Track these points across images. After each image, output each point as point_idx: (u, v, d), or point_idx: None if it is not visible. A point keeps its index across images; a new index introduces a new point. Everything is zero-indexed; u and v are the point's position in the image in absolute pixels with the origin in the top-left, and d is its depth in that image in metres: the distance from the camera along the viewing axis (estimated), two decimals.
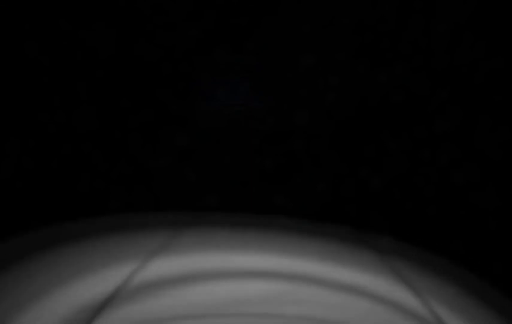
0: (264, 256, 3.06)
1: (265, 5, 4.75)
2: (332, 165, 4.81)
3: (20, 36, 4.47)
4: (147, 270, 2.61)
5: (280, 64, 4.84)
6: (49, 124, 4.58)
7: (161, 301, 2.17)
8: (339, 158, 4.81)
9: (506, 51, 4.43)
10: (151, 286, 2.35)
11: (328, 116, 4.82)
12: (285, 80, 4.85)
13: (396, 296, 2.43)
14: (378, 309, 2.22)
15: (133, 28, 4.70)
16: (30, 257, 2.72)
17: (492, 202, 4.37)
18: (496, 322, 2.25)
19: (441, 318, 2.18)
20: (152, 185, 4.77)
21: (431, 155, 4.64)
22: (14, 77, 4.50)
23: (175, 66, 4.80)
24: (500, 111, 4.47)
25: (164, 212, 4.60)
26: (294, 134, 4.85)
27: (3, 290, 2.20)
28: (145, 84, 4.76)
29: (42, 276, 2.41)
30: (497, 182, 4.41)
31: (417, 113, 4.70)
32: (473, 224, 4.34)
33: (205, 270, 2.69)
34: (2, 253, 2.80)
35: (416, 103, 4.70)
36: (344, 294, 2.39)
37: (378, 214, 4.63)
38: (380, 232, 4.20)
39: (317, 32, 4.77)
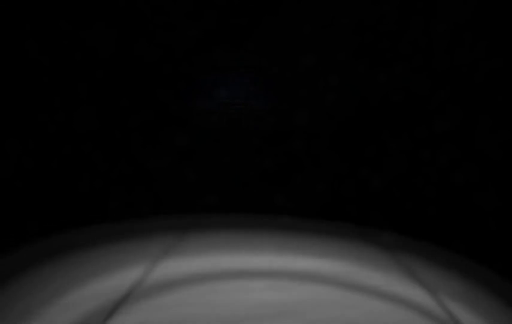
0: (270, 256, 3.06)
1: (265, 5, 4.75)
2: (332, 165, 4.81)
3: (21, 36, 4.47)
4: (155, 273, 2.62)
5: (280, 64, 4.84)
6: (49, 124, 4.58)
7: (171, 302, 2.17)
8: (339, 158, 4.81)
9: (506, 51, 4.44)
10: (160, 288, 2.36)
11: (328, 116, 4.82)
12: (285, 80, 4.85)
13: (406, 291, 2.44)
14: (388, 305, 2.23)
15: (133, 28, 4.69)
16: (40, 264, 2.74)
17: (492, 202, 4.37)
18: (507, 314, 2.25)
19: (452, 311, 2.18)
20: (152, 185, 4.77)
21: (431, 155, 4.64)
22: (14, 77, 4.50)
23: (175, 66, 4.80)
24: (500, 111, 4.47)
25: (165, 212, 4.60)
26: (294, 134, 4.84)
27: (15, 295, 2.21)
28: (145, 84, 4.76)
29: (52, 282, 2.41)
30: (497, 182, 4.41)
31: (417, 113, 4.70)
32: (473, 224, 4.34)
33: (212, 271, 2.70)
34: (14, 260, 2.81)
35: (416, 103, 4.70)
36: (354, 291, 2.39)
37: (378, 214, 4.63)
38: (380, 232, 4.20)
39: (317, 32, 4.77)
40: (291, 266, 2.86)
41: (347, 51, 4.77)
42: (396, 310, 2.19)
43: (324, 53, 4.79)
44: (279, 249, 3.26)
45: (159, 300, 2.19)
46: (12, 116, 4.49)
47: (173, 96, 4.82)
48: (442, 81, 4.63)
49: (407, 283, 2.60)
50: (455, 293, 2.48)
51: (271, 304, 2.19)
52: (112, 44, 4.66)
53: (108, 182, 4.67)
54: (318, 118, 4.82)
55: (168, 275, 2.58)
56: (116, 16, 4.65)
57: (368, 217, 4.62)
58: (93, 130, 4.67)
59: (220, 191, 4.80)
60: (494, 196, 4.39)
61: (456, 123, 4.57)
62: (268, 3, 4.73)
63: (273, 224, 4.17)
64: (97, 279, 2.49)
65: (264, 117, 4.85)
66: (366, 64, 4.74)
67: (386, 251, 3.33)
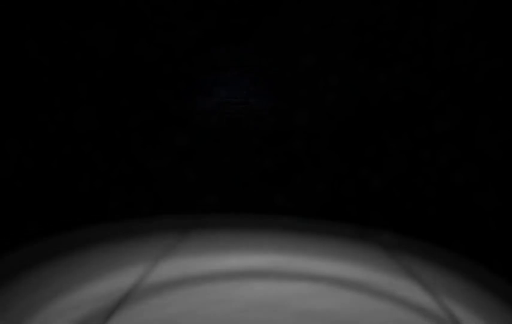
0: (270, 256, 3.06)
1: (265, 5, 4.74)
2: (332, 165, 4.81)
3: (21, 36, 4.47)
4: (156, 273, 2.61)
5: (280, 64, 4.84)
6: (49, 124, 4.58)
7: (171, 303, 2.17)
8: (339, 159, 4.81)
9: (506, 51, 4.44)
10: (160, 288, 2.36)
11: (328, 116, 4.82)
12: (285, 80, 4.85)
13: (406, 291, 2.44)
14: (388, 305, 2.22)
15: (133, 28, 4.69)
16: (39, 263, 2.73)
17: (492, 202, 4.37)
18: (507, 314, 2.25)
19: (452, 312, 2.18)
20: (152, 185, 4.77)
21: (431, 155, 4.64)
22: (14, 77, 4.50)
23: (175, 66, 4.80)
24: (500, 111, 4.47)
25: (165, 213, 4.60)
26: (294, 134, 4.84)
27: (14, 296, 2.20)
28: (145, 84, 4.76)
29: (52, 282, 2.41)
30: (497, 182, 4.41)
31: (417, 113, 4.70)
32: (473, 224, 4.34)
33: (212, 271, 2.69)
34: (13, 260, 2.81)
35: (416, 103, 4.70)
36: (354, 291, 2.39)
37: (378, 214, 4.63)
38: (380, 232, 4.20)
39: (317, 32, 4.77)
40: (294, 265, 2.86)
41: (347, 51, 4.77)
42: (395, 309, 2.19)
43: (324, 53, 4.79)
44: (281, 249, 3.26)
45: (159, 301, 2.18)
46: (12, 116, 4.49)
47: (173, 96, 4.82)
48: (442, 81, 4.63)
49: (406, 282, 2.60)
50: (455, 293, 2.48)
51: (272, 301, 2.19)
52: (112, 44, 4.66)
53: (108, 182, 4.67)
54: (318, 118, 4.82)
55: (168, 276, 2.58)
56: (116, 16, 4.65)
57: (368, 217, 4.61)
58: (93, 130, 4.67)
59: (220, 191, 4.80)
60: (494, 196, 4.39)
61: (456, 123, 4.57)
62: (268, 3, 4.73)
63: (274, 224, 4.17)
64: (97, 279, 2.49)
65: (264, 117, 4.85)
66: (366, 64, 4.74)
67: (386, 251, 3.32)
